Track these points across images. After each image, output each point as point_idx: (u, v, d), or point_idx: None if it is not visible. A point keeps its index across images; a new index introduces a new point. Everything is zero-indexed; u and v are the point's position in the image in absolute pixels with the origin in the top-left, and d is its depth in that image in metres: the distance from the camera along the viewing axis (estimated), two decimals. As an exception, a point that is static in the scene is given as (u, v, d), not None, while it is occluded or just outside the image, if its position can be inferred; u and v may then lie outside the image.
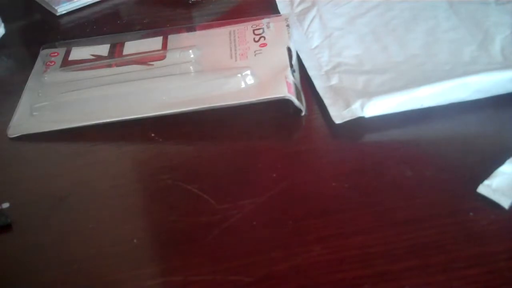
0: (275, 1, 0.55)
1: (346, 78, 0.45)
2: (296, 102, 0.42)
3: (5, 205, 0.39)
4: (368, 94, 0.42)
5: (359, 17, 0.52)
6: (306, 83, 0.46)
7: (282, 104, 0.42)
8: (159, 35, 0.51)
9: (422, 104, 0.42)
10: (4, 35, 0.56)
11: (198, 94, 0.44)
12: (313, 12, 0.53)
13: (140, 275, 0.34)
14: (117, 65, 0.48)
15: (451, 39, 0.48)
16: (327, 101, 0.43)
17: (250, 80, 0.44)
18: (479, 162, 0.38)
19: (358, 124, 0.42)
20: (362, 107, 0.41)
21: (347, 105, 0.42)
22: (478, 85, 0.42)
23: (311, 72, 0.46)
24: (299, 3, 0.55)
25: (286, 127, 0.43)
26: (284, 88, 0.42)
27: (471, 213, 0.35)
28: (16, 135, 0.44)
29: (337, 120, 0.42)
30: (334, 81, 0.45)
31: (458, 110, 0.42)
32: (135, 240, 0.36)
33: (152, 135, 0.43)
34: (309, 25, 0.51)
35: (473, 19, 0.50)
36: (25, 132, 0.45)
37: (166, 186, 0.39)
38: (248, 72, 0.45)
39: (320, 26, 0.51)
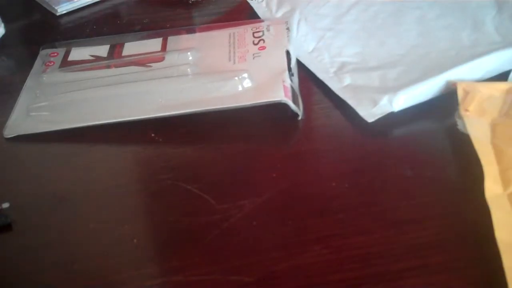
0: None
1: (358, 77, 0.45)
2: (292, 106, 0.42)
3: (5, 205, 0.38)
4: (390, 89, 0.43)
5: (344, 16, 0.52)
6: (307, 86, 0.46)
7: (282, 105, 0.42)
8: (159, 37, 0.51)
9: (444, 90, 0.43)
10: (4, 35, 0.56)
11: (195, 97, 0.44)
12: (297, 15, 0.52)
13: (140, 275, 0.34)
14: (116, 66, 0.48)
15: (443, 26, 0.49)
16: (351, 102, 0.43)
17: (247, 83, 0.44)
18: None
19: (358, 124, 0.42)
20: (390, 102, 0.42)
21: (374, 102, 0.42)
22: (489, 66, 0.44)
23: (321, 75, 0.46)
24: (278, 8, 0.54)
25: (286, 127, 0.43)
26: (281, 92, 0.42)
27: (471, 213, 0.35)
28: (12, 135, 0.44)
29: (370, 119, 0.42)
30: (347, 81, 0.45)
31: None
32: (135, 240, 0.36)
33: (152, 135, 0.43)
34: (297, 29, 0.51)
35: (456, 5, 0.51)
36: (21, 133, 0.44)
37: (166, 186, 0.39)
38: (246, 75, 0.45)
39: (309, 29, 0.51)
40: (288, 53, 0.47)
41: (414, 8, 0.52)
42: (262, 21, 0.52)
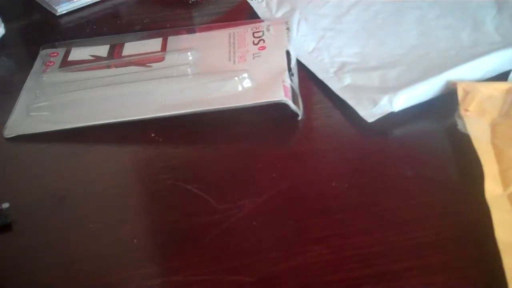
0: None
1: (358, 76, 0.45)
2: (292, 106, 0.42)
3: (5, 205, 0.38)
4: (390, 89, 0.43)
5: (344, 16, 0.52)
6: (307, 86, 0.46)
7: (282, 105, 0.42)
8: (159, 37, 0.51)
9: (444, 90, 0.43)
10: (4, 35, 0.56)
11: (195, 97, 0.44)
12: (297, 15, 0.52)
13: (140, 275, 0.34)
14: (116, 66, 0.48)
15: (443, 26, 0.50)
16: (351, 102, 0.43)
17: (247, 83, 0.44)
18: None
19: (358, 124, 0.42)
20: (390, 102, 0.42)
21: (374, 102, 0.42)
22: (489, 66, 0.44)
23: (321, 75, 0.46)
24: (278, 8, 0.54)
25: (286, 127, 0.43)
26: (281, 92, 0.42)
27: (471, 213, 0.35)
28: (12, 135, 0.44)
29: (370, 119, 0.42)
30: (347, 81, 0.45)
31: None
32: (135, 240, 0.36)
33: (152, 135, 0.43)
34: (297, 29, 0.51)
35: (456, 5, 0.51)
36: (21, 133, 0.44)
37: (166, 186, 0.39)
38: (246, 75, 0.45)
39: (309, 29, 0.51)
40: (288, 53, 0.47)
41: (414, 8, 0.52)
42: (262, 21, 0.52)
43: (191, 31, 0.53)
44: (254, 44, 0.48)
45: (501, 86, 0.42)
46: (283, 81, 0.43)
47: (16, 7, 0.61)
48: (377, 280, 0.33)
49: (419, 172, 0.38)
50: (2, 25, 0.56)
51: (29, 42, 0.56)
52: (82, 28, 0.56)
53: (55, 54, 0.51)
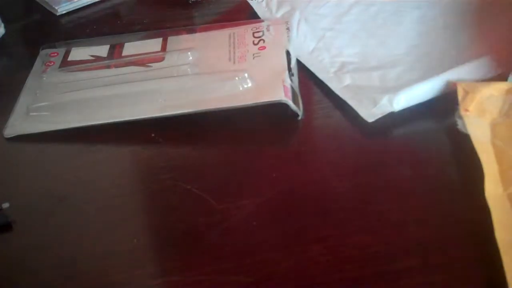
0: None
1: (358, 77, 0.45)
2: (292, 106, 0.42)
3: (5, 205, 0.38)
4: (391, 89, 0.43)
5: (344, 15, 0.52)
6: (307, 86, 0.46)
7: (282, 105, 0.42)
8: (159, 37, 0.51)
9: (444, 90, 0.43)
10: (4, 35, 0.56)
11: (196, 97, 0.44)
12: (297, 15, 0.52)
13: (140, 275, 0.34)
14: (116, 66, 0.48)
15: (443, 26, 0.50)
16: (351, 102, 0.43)
17: (247, 83, 0.44)
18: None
19: (358, 125, 0.42)
20: (390, 102, 0.42)
21: (374, 102, 0.42)
22: (489, 65, 0.44)
23: (321, 75, 0.46)
24: (278, 8, 0.54)
25: (286, 127, 0.43)
26: (281, 92, 0.42)
27: (471, 213, 0.35)
28: (12, 135, 0.44)
29: (370, 119, 0.42)
30: (348, 81, 0.45)
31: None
32: (135, 240, 0.36)
33: (152, 135, 0.43)
34: (297, 29, 0.51)
35: (455, 4, 0.51)
36: (21, 133, 0.44)
37: (166, 186, 0.39)
38: (246, 75, 0.45)
39: (309, 29, 0.51)
40: (288, 53, 0.47)
41: (414, 8, 0.52)
42: (262, 21, 0.52)
43: (191, 31, 0.53)
44: (254, 44, 0.48)
45: (501, 86, 0.42)
46: (283, 81, 0.43)
47: (16, 7, 0.61)
48: (377, 280, 0.33)
49: (419, 172, 0.38)
50: (2, 25, 0.56)
51: (29, 42, 0.56)
52: (82, 28, 0.56)
53: (55, 54, 0.51)
